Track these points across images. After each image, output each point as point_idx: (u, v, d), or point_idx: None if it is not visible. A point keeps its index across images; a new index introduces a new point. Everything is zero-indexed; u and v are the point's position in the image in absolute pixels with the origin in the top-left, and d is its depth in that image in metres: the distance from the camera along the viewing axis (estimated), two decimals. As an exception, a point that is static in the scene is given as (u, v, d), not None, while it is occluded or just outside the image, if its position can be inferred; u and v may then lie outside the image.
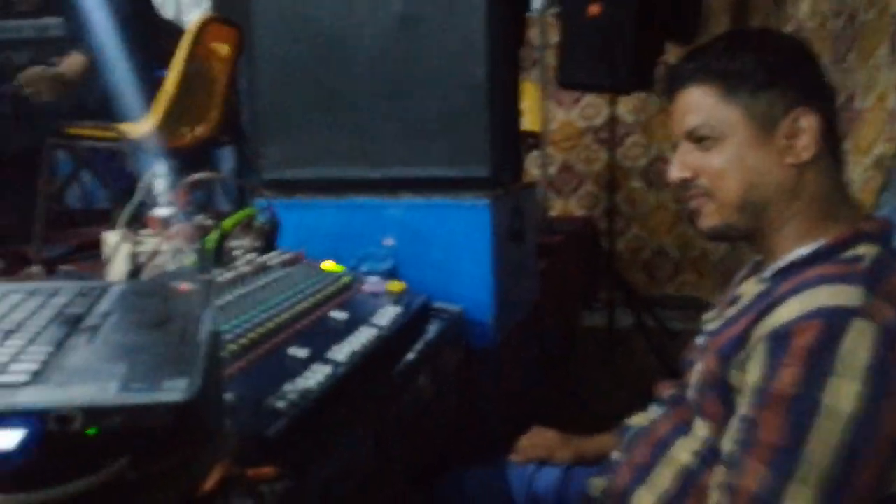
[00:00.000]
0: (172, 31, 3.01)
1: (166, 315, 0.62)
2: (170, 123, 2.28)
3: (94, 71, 2.24)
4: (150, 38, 2.45)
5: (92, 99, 2.24)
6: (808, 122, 0.96)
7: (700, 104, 1.00)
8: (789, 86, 0.97)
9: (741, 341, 0.92)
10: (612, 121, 3.41)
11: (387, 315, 1.21)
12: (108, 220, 3.53)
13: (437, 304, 1.43)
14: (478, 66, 1.58)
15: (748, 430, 0.86)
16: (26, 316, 0.60)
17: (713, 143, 0.99)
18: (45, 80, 2.11)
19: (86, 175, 3.45)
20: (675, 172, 1.03)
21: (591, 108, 4.35)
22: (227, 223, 1.37)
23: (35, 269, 1.71)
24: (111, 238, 1.92)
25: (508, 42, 1.76)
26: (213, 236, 1.30)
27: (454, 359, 1.40)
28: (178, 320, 0.60)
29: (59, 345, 0.54)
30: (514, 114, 1.90)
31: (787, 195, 0.98)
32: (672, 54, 3.11)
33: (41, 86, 2.10)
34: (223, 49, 2.41)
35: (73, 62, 2.18)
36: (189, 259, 1.33)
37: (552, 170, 4.37)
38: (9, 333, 0.56)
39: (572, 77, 3.02)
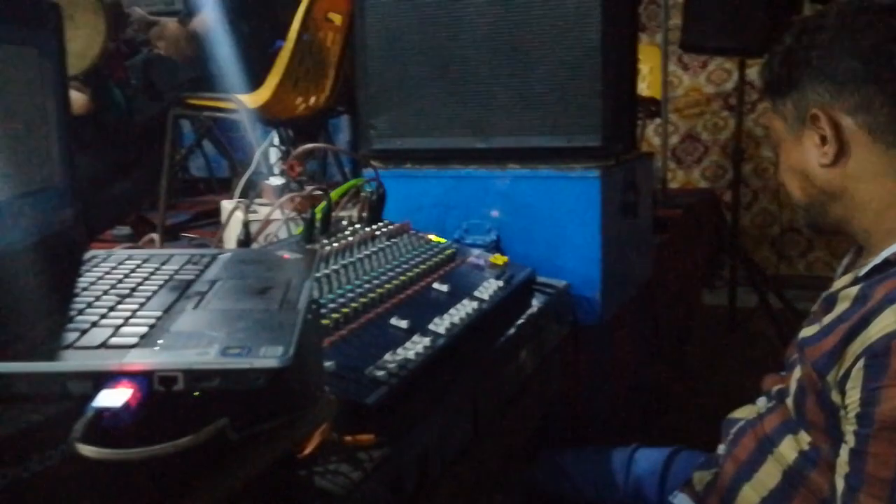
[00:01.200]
0: (290, 2, 3.08)
1: (269, 283, 0.62)
2: (284, 94, 2.34)
3: (216, 41, 2.32)
4: (268, 9, 2.51)
5: (213, 69, 2.32)
6: (829, 122, 0.94)
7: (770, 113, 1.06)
8: (811, 86, 0.96)
9: (836, 357, 0.86)
10: (742, 86, 3.23)
11: (489, 288, 1.20)
12: (227, 189, 3.69)
13: (542, 279, 1.40)
14: (591, 30, 1.52)
15: (857, 464, 0.81)
16: (140, 281, 0.62)
17: (778, 149, 1.05)
18: (176, 35, 2.21)
19: (208, 145, 3.61)
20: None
21: (720, 73, 4.13)
22: (335, 193, 1.39)
23: (154, 235, 1.80)
24: (227, 206, 2.01)
25: (624, 3, 1.69)
26: (321, 206, 1.32)
27: (558, 335, 1.38)
28: (279, 288, 0.61)
29: (168, 310, 0.56)
30: (630, 80, 1.83)
31: (840, 196, 0.96)
32: (810, 12, 2.90)
33: (172, 40, 2.20)
34: (336, 18, 2.44)
35: (202, 20, 2.27)
36: (298, 228, 1.36)
37: (674, 139, 4.20)
38: (123, 297, 0.58)
39: (698, 39, 2.87)
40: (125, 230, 2.72)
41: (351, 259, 1.17)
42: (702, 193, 3.56)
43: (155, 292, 0.60)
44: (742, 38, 2.68)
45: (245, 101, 2.29)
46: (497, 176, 1.58)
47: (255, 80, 2.37)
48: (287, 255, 0.73)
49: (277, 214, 1.74)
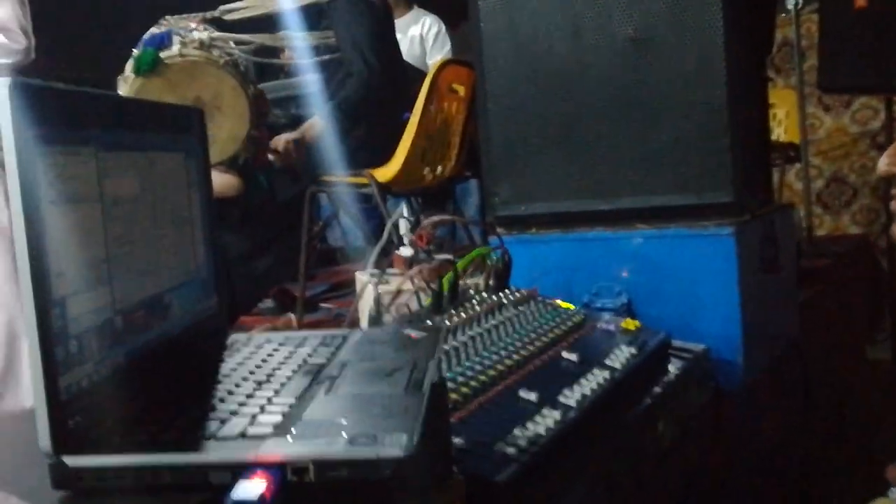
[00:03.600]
0: (416, 76, 3.21)
1: (396, 364, 0.64)
2: (412, 166, 2.43)
3: (342, 121, 2.44)
4: (397, 85, 2.62)
5: (346, 147, 2.45)
6: None
7: None
8: None
9: None
10: (891, 123, 3.03)
11: (621, 355, 1.17)
12: (363, 257, 3.83)
13: (678, 343, 1.35)
14: (717, 87, 1.48)
15: None
16: (276, 366, 0.66)
17: None
18: (287, 148, 2.36)
19: (344, 216, 3.78)
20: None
21: (865, 111, 3.89)
22: (461, 263, 1.41)
23: (292, 315, 1.90)
24: (361, 278, 2.08)
25: (752, 54, 1.64)
26: (448, 277, 1.34)
27: (698, 402, 1.31)
28: (406, 369, 0.62)
29: (301, 395, 0.58)
30: (762, 130, 1.76)
31: None
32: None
33: (284, 154, 2.35)
34: (460, 89, 2.51)
35: (311, 126, 2.41)
36: (427, 299, 1.38)
37: (818, 183, 3.97)
38: (260, 384, 0.61)
39: (835, 80, 2.72)
40: (269, 303, 2.88)
41: (479, 330, 1.18)
42: (853, 240, 3.32)
43: (290, 378, 0.62)
44: (886, 74, 2.52)
45: (376, 176, 2.39)
46: (625, 237, 1.55)
47: (384, 153, 2.48)
48: (413, 333, 0.75)
49: (408, 285, 1.78)
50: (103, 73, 2.63)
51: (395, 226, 2.10)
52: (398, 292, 1.78)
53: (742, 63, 1.49)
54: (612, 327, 1.30)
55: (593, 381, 1.05)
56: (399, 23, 3.93)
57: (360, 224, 2.65)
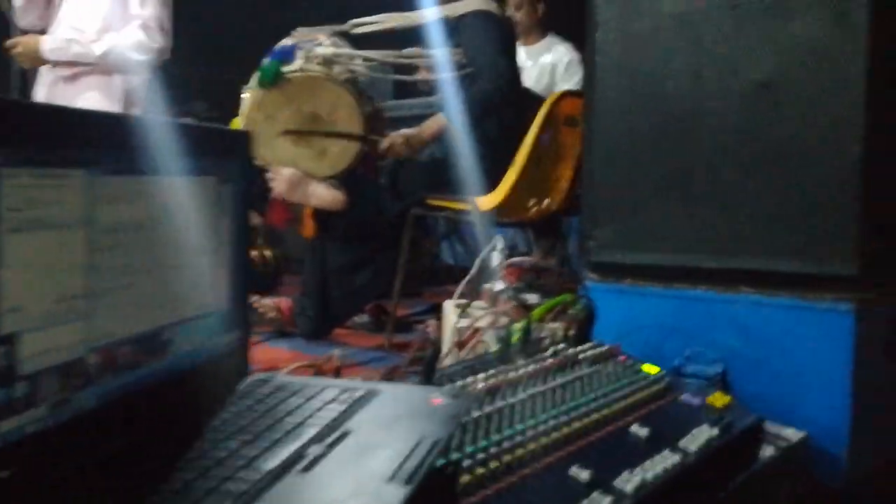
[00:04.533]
0: (536, 104, 3.14)
1: (398, 440, 0.57)
2: (518, 196, 2.35)
3: (458, 141, 2.39)
4: (514, 111, 2.54)
5: (453, 171, 2.40)
6: None
7: None
8: None
9: None
10: None
11: (700, 437, 1.04)
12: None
13: (773, 427, 1.20)
14: (853, 144, 1.32)
15: None
16: (278, 419, 0.61)
17: None
18: (402, 141, 2.33)
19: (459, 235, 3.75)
20: None
21: None
22: (539, 311, 1.32)
23: (336, 351, 1.89)
24: (448, 308, 2.02)
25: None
26: (520, 325, 1.25)
27: (790, 499, 1.15)
28: (403, 449, 0.55)
29: (273, 471, 0.53)
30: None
31: None
32: None
33: (398, 146, 2.32)
34: (578, 122, 2.41)
35: (432, 122, 2.37)
36: (496, 346, 1.30)
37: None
38: (246, 443, 0.56)
39: None
40: (364, 318, 2.88)
41: (543, 387, 1.09)
42: None
43: (280, 438, 0.57)
44: None
45: (478, 204, 2.33)
46: (729, 300, 1.41)
47: (492, 180, 2.42)
48: (438, 398, 0.68)
49: (485, 321, 1.71)
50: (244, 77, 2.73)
51: (489, 258, 2.03)
52: (476, 330, 1.71)
53: (885, 120, 1.32)
54: (696, 401, 1.17)
55: (660, 464, 0.94)
56: (531, 50, 3.87)
57: (468, 246, 2.59)
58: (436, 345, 1.46)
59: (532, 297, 1.74)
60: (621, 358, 1.29)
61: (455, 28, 2.45)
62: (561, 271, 3.68)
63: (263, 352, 2.42)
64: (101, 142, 0.51)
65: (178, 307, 0.62)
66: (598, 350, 1.29)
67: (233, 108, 2.58)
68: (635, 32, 1.51)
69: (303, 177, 2.35)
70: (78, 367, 0.49)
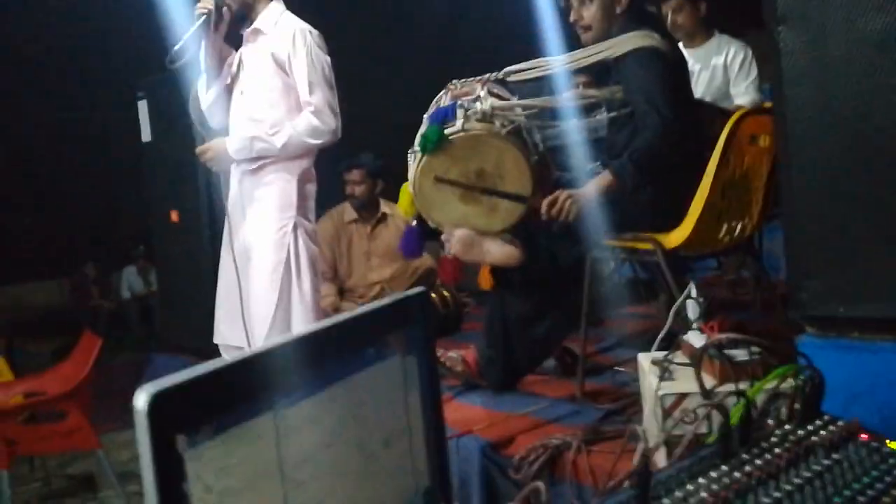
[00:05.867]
0: (714, 116, 2.93)
1: None
2: (706, 228, 2.18)
3: (634, 175, 2.26)
4: (691, 144, 2.36)
5: (631, 209, 2.28)
6: None
7: None
8: None
9: None
10: None
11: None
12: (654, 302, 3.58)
13: None
14: None
15: None
16: None
17: None
18: (567, 199, 2.23)
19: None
20: None
21: None
22: (753, 390, 1.18)
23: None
24: (643, 361, 1.90)
25: None
26: (738, 409, 1.12)
27: None
28: None
29: None
30: None
31: None
32: None
33: (567, 209, 2.22)
34: (763, 140, 2.21)
35: (599, 182, 2.26)
36: (711, 433, 1.18)
37: None
38: None
39: None
40: (550, 361, 2.80)
41: (778, 494, 0.96)
42: None
43: None
44: None
45: (662, 241, 2.19)
46: None
47: (673, 216, 2.27)
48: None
49: (691, 386, 1.57)
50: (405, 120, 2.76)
51: (682, 306, 1.89)
52: (681, 396, 1.58)
53: None
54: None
55: None
56: (699, 52, 3.62)
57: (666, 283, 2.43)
58: (645, 461, 1.29)
59: (740, 354, 1.58)
60: (863, 437, 1.12)
61: (612, 68, 2.34)
62: (757, 284, 3.40)
63: (456, 408, 2.41)
64: (282, 375, 0.48)
65: (390, 497, 0.58)
66: (834, 429, 1.12)
67: (399, 151, 2.58)
68: (829, 58, 1.33)
69: (476, 236, 2.33)
70: None
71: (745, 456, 1.06)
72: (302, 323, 2.47)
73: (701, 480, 0.99)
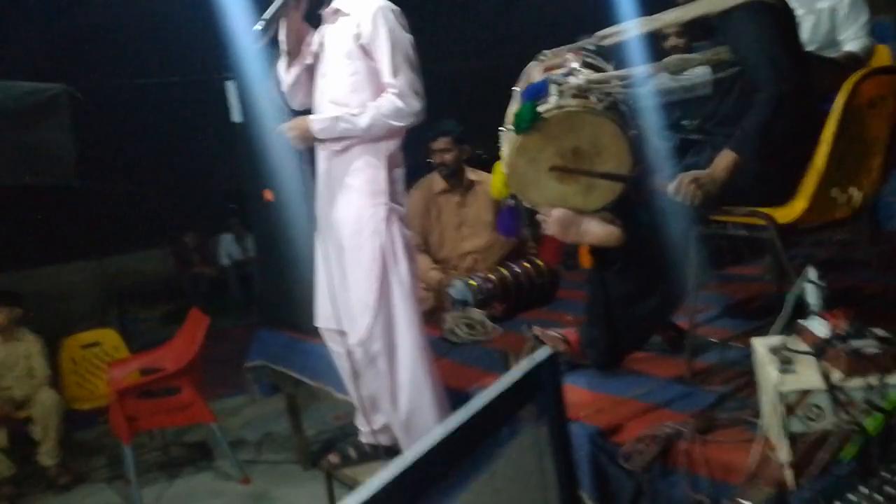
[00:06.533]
0: (823, 68, 2.74)
1: None
2: (821, 202, 2.05)
3: (759, 148, 2.12)
4: (806, 107, 2.20)
5: (738, 180, 2.16)
6: None
7: None
8: None
9: None
10: None
11: None
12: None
13: None
14: None
15: None
16: None
17: None
18: (691, 183, 2.13)
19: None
20: None
21: None
22: (891, 401, 1.11)
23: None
24: (758, 346, 1.82)
25: None
26: (874, 422, 1.05)
27: None
28: None
29: None
30: None
31: None
32: None
33: (690, 192, 2.12)
34: (886, 102, 2.05)
35: (721, 162, 2.14)
36: (851, 444, 1.11)
37: None
38: None
39: None
40: (656, 338, 2.72)
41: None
42: None
43: None
44: None
45: (775, 216, 2.07)
46: None
47: (787, 186, 2.14)
48: None
49: (816, 381, 1.49)
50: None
51: (801, 291, 1.79)
52: (804, 392, 1.50)
53: None
54: None
55: None
56: (803, -3, 3.37)
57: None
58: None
59: (868, 345, 1.49)
60: None
61: (715, 26, 2.20)
62: (872, 239, 3.20)
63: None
64: (428, 485, 0.47)
65: None
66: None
67: (483, 122, 2.49)
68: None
69: (574, 216, 2.27)
70: None
71: (885, 475, 1.00)
72: (403, 310, 2.48)
73: (841, 508, 0.94)
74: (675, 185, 2.14)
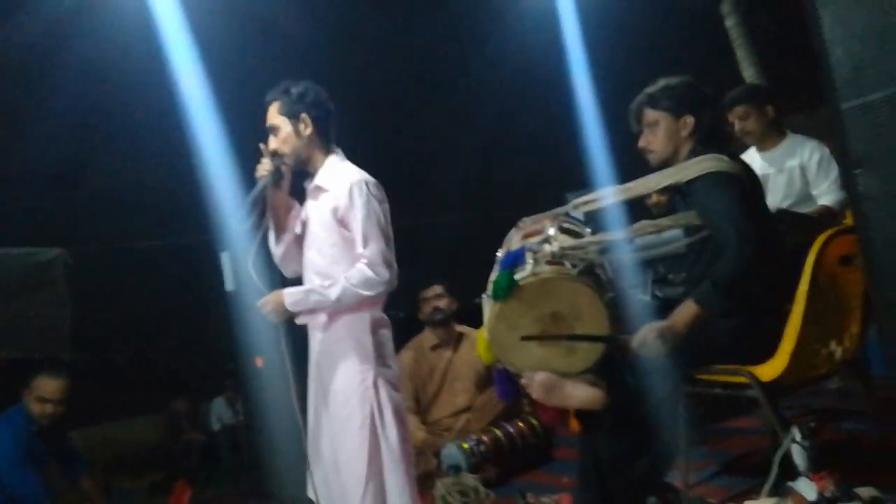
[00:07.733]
0: (796, 224, 2.82)
1: None
2: (802, 359, 2.05)
3: (719, 302, 2.16)
4: (776, 265, 2.25)
5: (719, 340, 2.18)
6: None
7: None
8: None
9: None
10: None
11: None
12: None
13: None
14: None
15: None
16: None
17: None
18: (655, 336, 2.15)
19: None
20: None
21: None
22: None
23: None
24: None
25: None
26: None
27: None
28: None
29: None
30: None
31: None
32: None
33: (653, 344, 2.15)
34: (858, 259, 2.09)
35: (683, 314, 2.17)
36: None
37: None
38: None
39: None
40: (652, 500, 2.63)
41: None
42: None
43: None
44: None
45: (757, 374, 2.07)
46: None
47: (767, 343, 2.15)
48: None
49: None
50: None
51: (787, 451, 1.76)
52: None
53: None
54: None
55: None
56: (772, 156, 3.49)
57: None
58: None
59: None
60: None
61: (687, 192, 2.30)
62: (871, 391, 3.15)
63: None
64: None
65: None
66: None
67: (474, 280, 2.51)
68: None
69: (557, 379, 2.26)
70: None
71: None
72: (394, 478, 2.41)
73: None
74: (639, 338, 2.16)
